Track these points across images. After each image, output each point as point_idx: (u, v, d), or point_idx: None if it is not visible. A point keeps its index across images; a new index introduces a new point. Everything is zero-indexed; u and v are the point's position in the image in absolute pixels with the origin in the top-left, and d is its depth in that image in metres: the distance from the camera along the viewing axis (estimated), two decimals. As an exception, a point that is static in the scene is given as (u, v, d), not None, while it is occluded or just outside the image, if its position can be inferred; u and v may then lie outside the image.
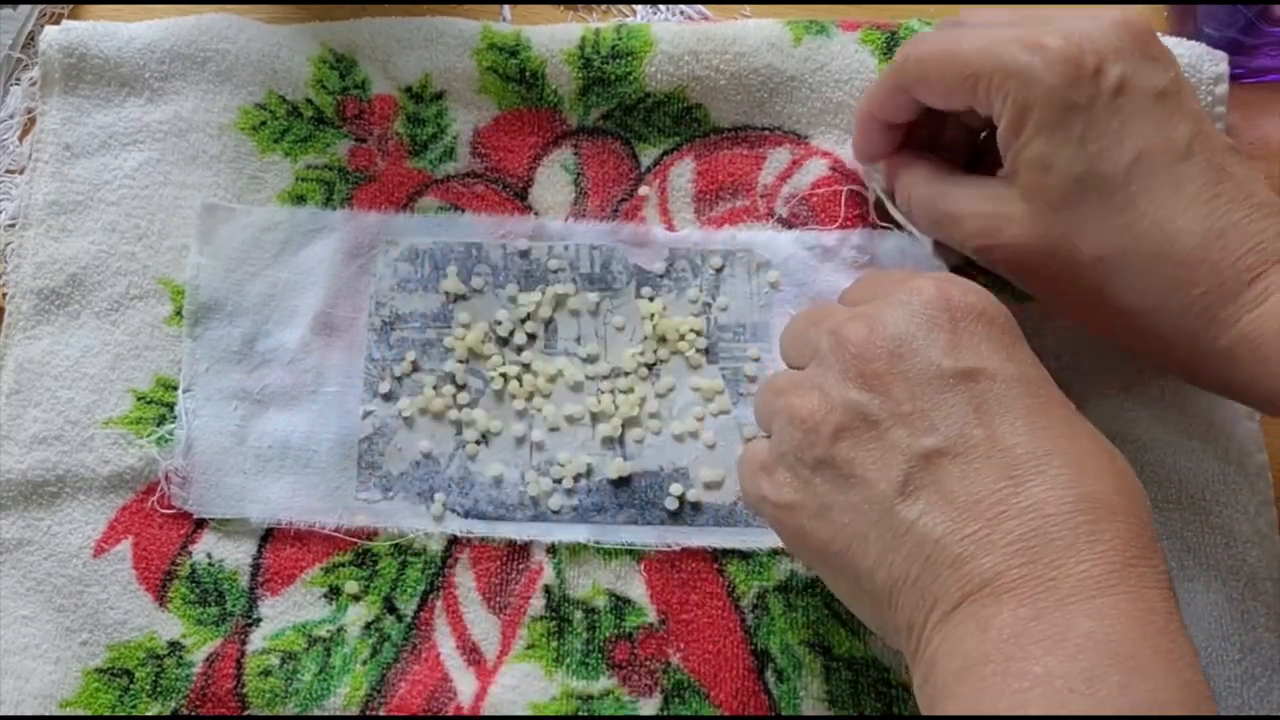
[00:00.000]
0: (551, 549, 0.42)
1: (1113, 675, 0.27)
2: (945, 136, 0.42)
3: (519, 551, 0.42)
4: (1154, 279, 0.34)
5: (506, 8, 0.49)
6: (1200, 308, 0.34)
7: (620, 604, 0.41)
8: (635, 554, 0.42)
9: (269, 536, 0.42)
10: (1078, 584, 0.28)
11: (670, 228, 0.45)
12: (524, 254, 0.45)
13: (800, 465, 0.33)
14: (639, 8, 0.49)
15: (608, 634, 0.41)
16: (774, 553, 0.42)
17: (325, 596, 0.42)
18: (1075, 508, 0.29)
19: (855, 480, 0.31)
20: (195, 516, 0.42)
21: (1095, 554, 0.28)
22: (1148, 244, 0.34)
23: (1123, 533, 0.29)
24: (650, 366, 0.44)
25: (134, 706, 0.40)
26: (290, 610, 0.42)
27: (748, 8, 0.49)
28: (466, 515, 0.42)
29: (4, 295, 0.45)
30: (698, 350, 0.44)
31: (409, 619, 0.41)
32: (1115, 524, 0.29)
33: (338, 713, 0.40)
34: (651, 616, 0.41)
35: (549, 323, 0.44)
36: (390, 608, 0.41)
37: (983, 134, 0.42)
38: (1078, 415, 0.32)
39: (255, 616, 0.41)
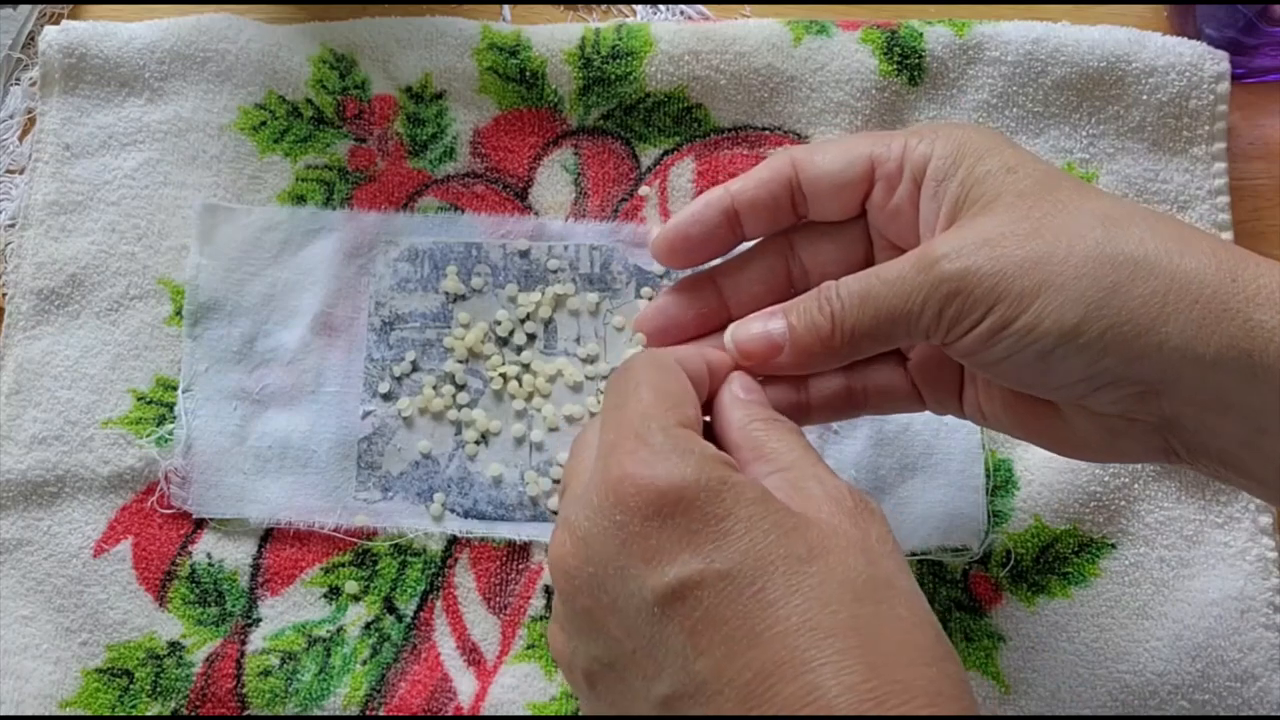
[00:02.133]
0: (551, 549, 0.42)
1: None
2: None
3: (519, 551, 0.42)
4: (1165, 223, 0.31)
5: (506, 8, 0.49)
6: (1219, 249, 0.30)
7: (620, 604, 0.41)
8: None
9: (269, 536, 0.42)
10: None
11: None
12: (524, 254, 0.45)
13: (581, 694, 0.31)
14: (639, 8, 0.49)
15: (607, 634, 0.41)
16: (774, 553, 0.41)
17: (325, 596, 0.42)
18: (838, 708, 0.25)
19: None
20: (195, 516, 0.42)
21: None
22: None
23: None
24: (650, 366, 0.44)
25: (134, 707, 0.40)
26: (290, 610, 0.42)
27: (748, 8, 0.49)
28: (466, 515, 0.42)
29: (4, 295, 0.45)
30: (697, 350, 0.44)
31: (409, 619, 0.41)
32: (902, 708, 0.25)
33: (338, 713, 0.40)
34: (651, 616, 0.41)
35: (549, 323, 0.44)
36: (390, 608, 0.41)
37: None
38: (833, 570, 0.27)
39: (255, 616, 0.41)
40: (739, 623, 0.26)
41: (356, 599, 0.42)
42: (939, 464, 0.42)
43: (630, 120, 0.46)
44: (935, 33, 0.46)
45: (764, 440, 0.31)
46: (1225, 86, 0.45)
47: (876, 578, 0.28)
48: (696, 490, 0.27)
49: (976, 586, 0.41)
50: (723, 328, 0.35)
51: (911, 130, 0.33)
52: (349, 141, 0.46)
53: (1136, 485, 0.42)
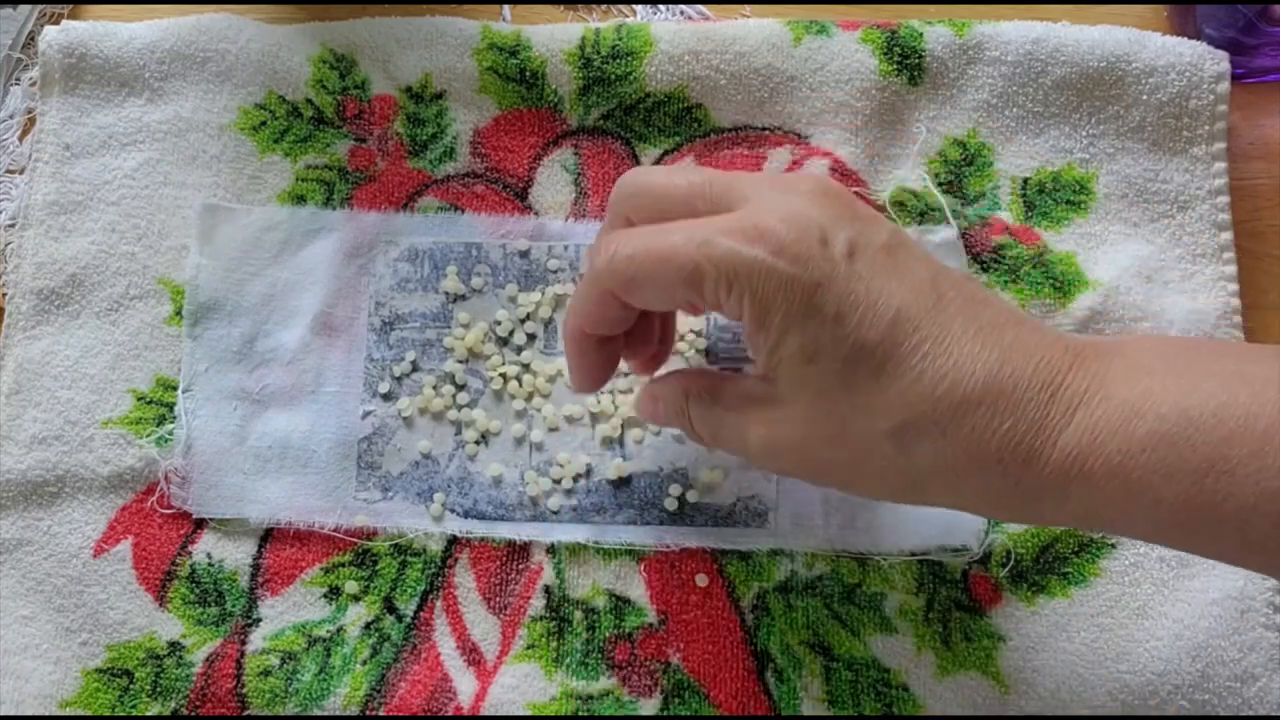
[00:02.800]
0: (551, 549, 0.42)
1: None
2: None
3: (519, 552, 0.42)
4: (954, 437, 0.31)
5: (506, 8, 0.49)
6: (1011, 444, 0.31)
7: (620, 604, 0.41)
8: (635, 554, 0.42)
9: (269, 536, 0.42)
10: None
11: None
12: (524, 254, 0.45)
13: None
14: (639, 7, 0.49)
15: (607, 634, 0.41)
16: (773, 553, 0.42)
17: (325, 596, 0.42)
18: None
19: None
20: (195, 516, 0.42)
21: None
22: (937, 401, 0.31)
23: None
24: (650, 366, 0.44)
25: (134, 707, 0.40)
26: (290, 610, 0.42)
27: (747, 7, 0.49)
28: (466, 515, 0.42)
29: (4, 295, 0.45)
30: (697, 350, 0.44)
31: (409, 619, 0.41)
32: None
33: (338, 713, 0.40)
34: (651, 617, 0.41)
35: (549, 323, 0.44)
36: (390, 608, 0.41)
37: None
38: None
39: (255, 616, 0.41)
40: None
41: (356, 599, 0.42)
42: (939, 464, 0.42)
43: (630, 120, 0.46)
44: (935, 33, 0.46)
45: None
46: (1225, 86, 0.45)
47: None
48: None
49: (976, 586, 0.41)
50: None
51: (723, 264, 0.32)
52: (349, 141, 0.46)
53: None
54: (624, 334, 0.37)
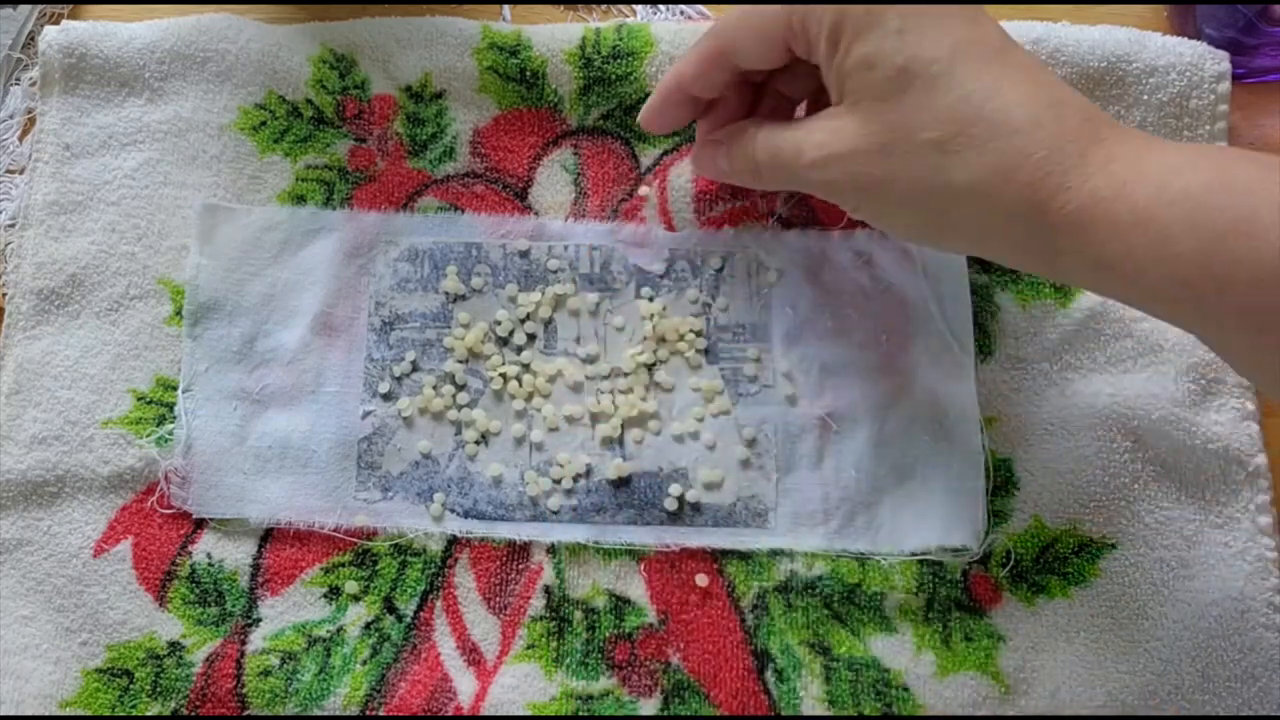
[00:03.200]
0: (551, 549, 0.42)
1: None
2: (763, 111, 0.42)
3: (519, 552, 0.42)
4: (992, 153, 0.33)
5: (506, 7, 0.49)
6: (1043, 174, 0.33)
7: (620, 604, 0.41)
8: (635, 554, 0.42)
9: (269, 536, 0.42)
10: None
11: (670, 228, 0.45)
12: (524, 254, 0.45)
13: None
14: (639, 7, 0.49)
15: (607, 634, 0.41)
16: (773, 553, 0.42)
17: (325, 596, 0.42)
18: None
19: None
20: (195, 516, 0.42)
21: None
22: (981, 118, 0.33)
23: None
24: (650, 367, 0.44)
25: (134, 707, 0.40)
26: (290, 610, 0.42)
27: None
28: (466, 515, 0.42)
29: (4, 295, 0.45)
30: (697, 350, 0.44)
31: (409, 619, 0.41)
32: None
33: (338, 713, 0.40)
34: (651, 617, 0.41)
35: (549, 323, 0.44)
36: (390, 608, 0.41)
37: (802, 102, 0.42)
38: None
39: (255, 616, 0.41)
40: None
41: (356, 599, 0.42)
42: (939, 464, 0.42)
43: (630, 120, 0.46)
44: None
45: None
46: (1226, 86, 0.45)
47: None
48: None
49: (976, 586, 0.41)
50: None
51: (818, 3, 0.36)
52: (349, 141, 0.46)
53: (1136, 485, 0.42)
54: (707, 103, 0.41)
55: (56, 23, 0.48)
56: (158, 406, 0.44)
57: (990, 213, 0.34)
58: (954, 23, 0.34)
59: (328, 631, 0.41)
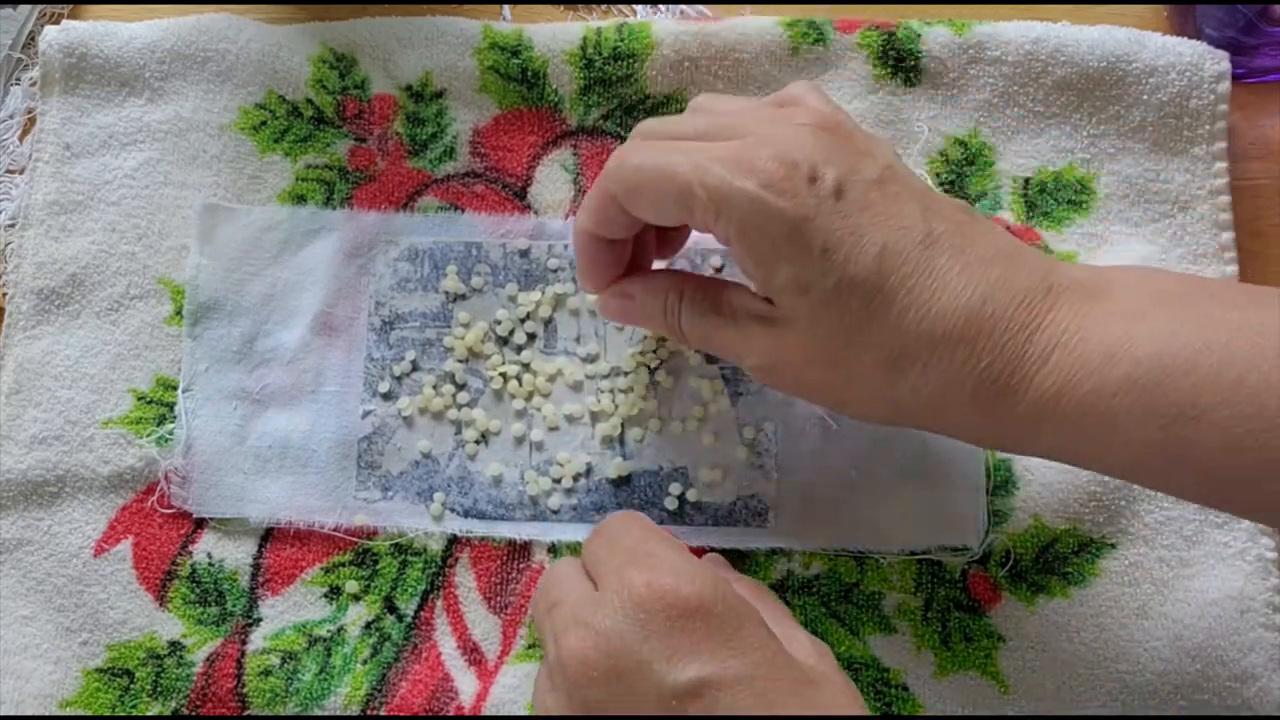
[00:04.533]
0: (552, 548, 0.42)
1: None
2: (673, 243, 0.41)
3: (519, 551, 0.42)
4: (935, 370, 0.32)
5: (506, 7, 0.49)
6: (988, 382, 0.32)
7: (620, 604, 0.41)
8: (635, 554, 0.42)
9: (269, 536, 0.42)
10: None
11: (670, 227, 0.45)
12: (524, 253, 0.45)
13: None
14: (639, 7, 0.49)
15: (607, 634, 0.41)
16: (772, 552, 0.42)
17: (325, 596, 0.42)
18: None
19: None
20: (195, 516, 0.42)
21: None
22: (919, 335, 0.32)
23: None
24: (650, 366, 0.44)
25: (134, 706, 0.40)
26: (290, 610, 0.42)
27: (747, 7, 0.49)
28: (466, 515, 0.42)
29: (4, 295, 0.45)
30: (697, 350, 0.44)
31: (409, 619, 0.41)
32: None
33: (338, 713, 0.40)
34: (651, 616, 0.41)
35: (549, 322, 0.44)
36: (390, 607, 0.41)
37: None
38: (825, 697, 0.31)
39: (255, 616, 0.41)
40: None
41: (357, 598, 0.42)
42: (939, 463, 0.42)
43: (630, 120, 0.46)
44: (934, 33, 0.46)
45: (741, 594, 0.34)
46: (1226, 86, 0.45)
47: (857, 708, 0.32)
48: (715, 600, 0.31)
49: (976, 586, 0.41)
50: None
51: (713, 191, 0.33)
52: (349, 141, 0.46)
53: (1136, 485, 0.42)
54: (632, 239, 0.39)
55: (56, 23, 0.48)
56: (158, 406, 0.44)
57: (941, 415, 0.34)
58: (872, 220, 0.33)
59: (328, 631, 0.41)
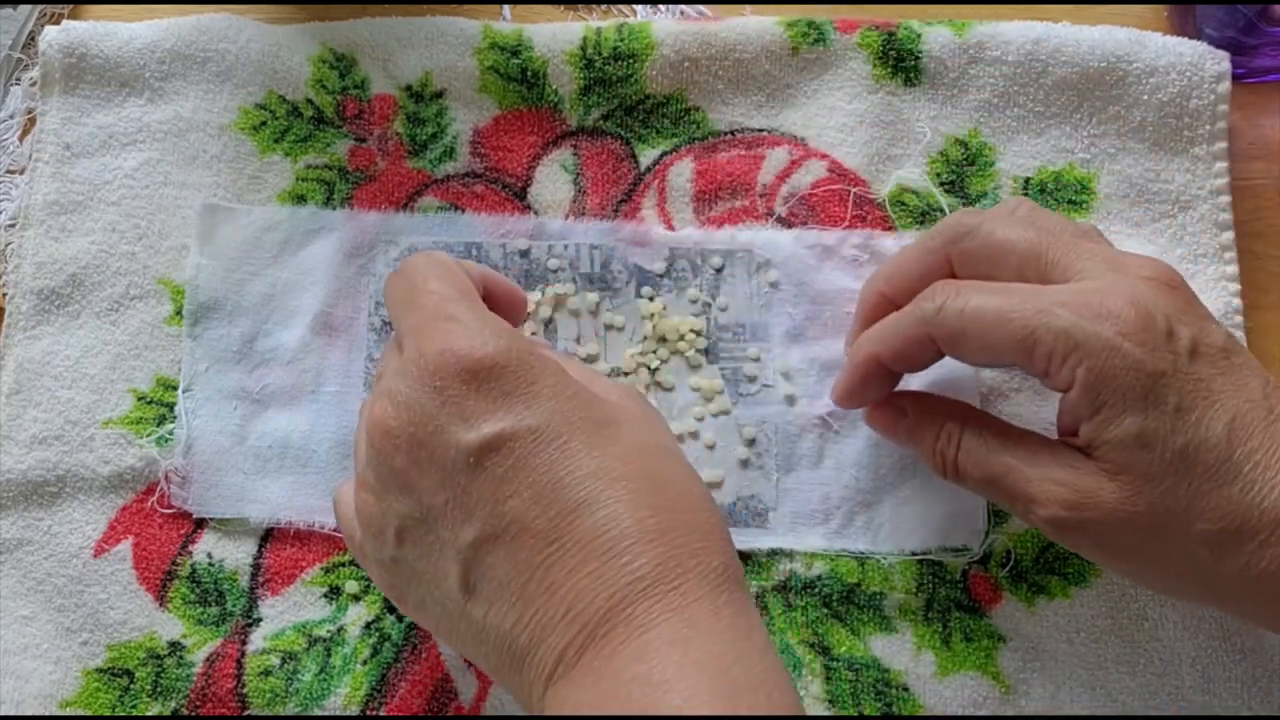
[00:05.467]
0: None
1: (743, 697, 0.27)
2: None
3: (519, 551, 0.42)
4: (1277, 546, 0.32)
5: (506, 7, 0.49)
6: None
7: (620, 604, 0.41)
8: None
9: (269, 536, 0.42)
10: (660, 631, 0.28)
11: (670, 227, 0.45)
12: (524, 253, 0.45)
13: (382, 561, 0.33)
14: (639, 7, 0.49)
15: (607, 634, 0.41)
16: (773, 553, 0.42)
17: (325, 596, 0.42)
18: (630, 537, 0.29)
19: (427, 579, 0.31)
20: (195, 516, 0.42)
21: (668, 593, 0.29)
22: (1262, 512, 0.32)
23: (700, 550, 0.30)
24: (650, 367, 0.44)
25: (134, 706, 0.40)
26: (290, 610, 0.42)
27: (747, 7, 0.49)
28: (466, 515, 0.42)
29: (4, 295, 0.45)
30: (698, 350, 0.44)
31: (409, 619, 0.41)
32: (684, 542, 0.29)
33: (338, 713, 0.40)
34: (651, 616, 0.41)
35: (548, 322, 0.44)
36: (390, 607, 0.41)
37: None
38: (626, 434, 0.31)
39: (255, 616, 0.41)
40: (545, 470, 0.30)
41: (357, 599, 0.42)
42: (939, 464, 0.42)
43: (630, 120, 0.46)
44: (934, 33, 0.46)
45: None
46: (1226, 86, 0.45)
47: (661, 444, 0.33)
48: (509, 358, 0.31)
49: (976, 587, 0.41)
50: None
51: (1063, 335, 0.33)
52: (349, 141, 0.46)
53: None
54: None
55: (56, 23, 0.48)
56: (158, 406, 0.44)
57: (1271, 601, 0.33)
58: (1224, 386, 0.32)
59: (328, 631, 0.41)
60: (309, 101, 0.47)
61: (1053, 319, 0.33)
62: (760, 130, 0.46)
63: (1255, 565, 0.32)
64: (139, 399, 0.44)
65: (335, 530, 0.42)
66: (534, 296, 0.44)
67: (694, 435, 0.43)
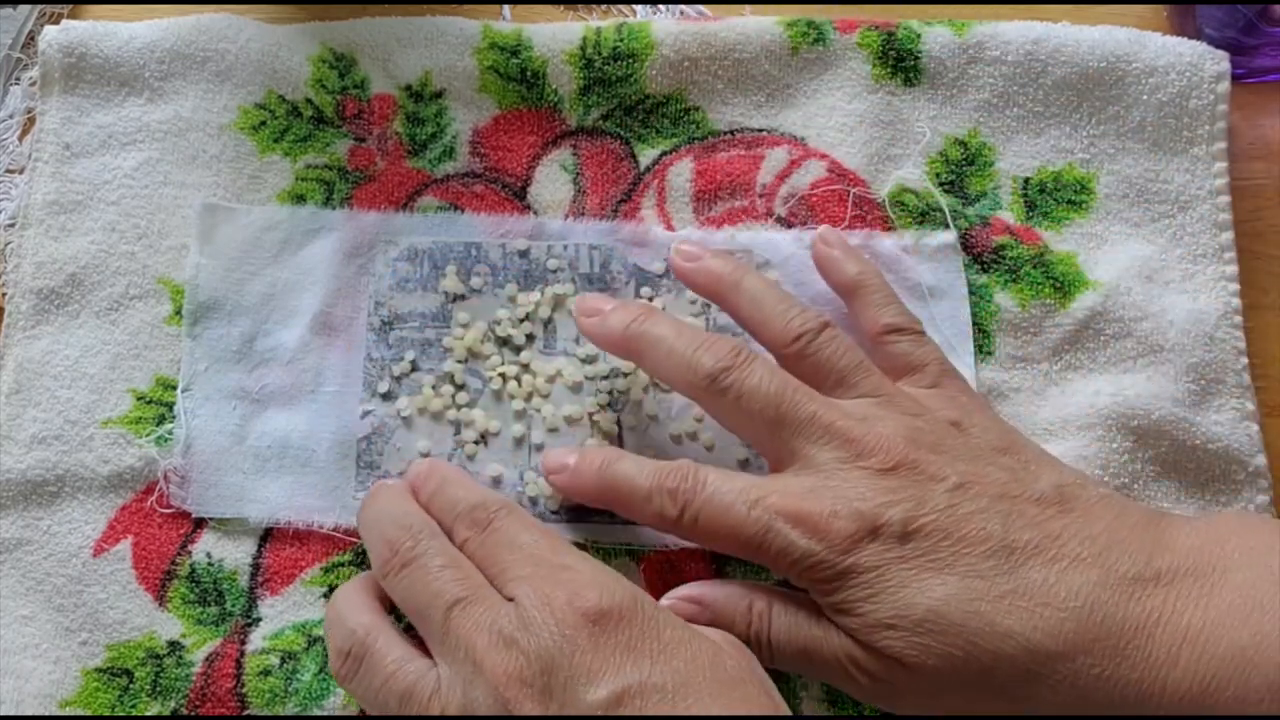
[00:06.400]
0: (551, 549, 0.42)
1: None
2: None
3: (518, 551, 0.42)
4: (1065, 682, 0.33)
5: (506, 7, 0.49)
6: (1120, 687, 0.33)
7: (619, 604, 0.41)
8: (634, 554, 0.42)
9: (268, 536, 0.42)
10: None
11: (669, 228, 0.45)
12: (523, 254, 0.45)
13: None
14: (638, 6, 0.49)
15: (607, 634, 0.41)
16: (773, 553, 0.42)
17: (325, 596, 0.42)
18: None
19: None
20: (195, 516, 0.42)
21: None
22: (1035, 654, 0.33)
23: None
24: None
25: (134, 706, 0.40)
26: (290, 610, 0.42)
27: (748, 7, 0.49)
28: (466, 515, 0.42)
29: (4, 295, 0.45)
30: (697, 350, 0.44)
31: (408, 618, 0.41)
32: None
33: (338, 713, 0.40)
34: (650, 616, 0.41)
35: (548, 323, 0.44)
36: (391, 607, 0.41)
37: None
38: (738, 700, 0.32)
39: (255, 616, 0.41)
40: None
41: (356, 599, 0.42)
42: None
43: (629, 120, 0.46)
44: (934, 33, 0.46)
45: None
46: (1225, 86, 0.45)
47: (775, 702, 0.33)
48: (635, 611, 0.32)
49: (976, 587, 0.41)
50: None
51: (777, 548, 0.35)
52: (349, 141, 0.46)
53: (1136, 485, 0.42)
54: None
55: (56, 22, 0.48)
56: (157, 406, 0.44)
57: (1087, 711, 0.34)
58: (933, 571, 0.34)
59: (327, 631, 0.41)
60: (309, 101, 0.47)
61: (773, 537, 0.35)
62: (760, 130, 0.46)
63: (1059, 703, 0.33)
64: (138, 399, 0.44)
65: (334, 530, 0.42)
66: (533, 296, 0.44)
67: (693, 436, 0.43)
